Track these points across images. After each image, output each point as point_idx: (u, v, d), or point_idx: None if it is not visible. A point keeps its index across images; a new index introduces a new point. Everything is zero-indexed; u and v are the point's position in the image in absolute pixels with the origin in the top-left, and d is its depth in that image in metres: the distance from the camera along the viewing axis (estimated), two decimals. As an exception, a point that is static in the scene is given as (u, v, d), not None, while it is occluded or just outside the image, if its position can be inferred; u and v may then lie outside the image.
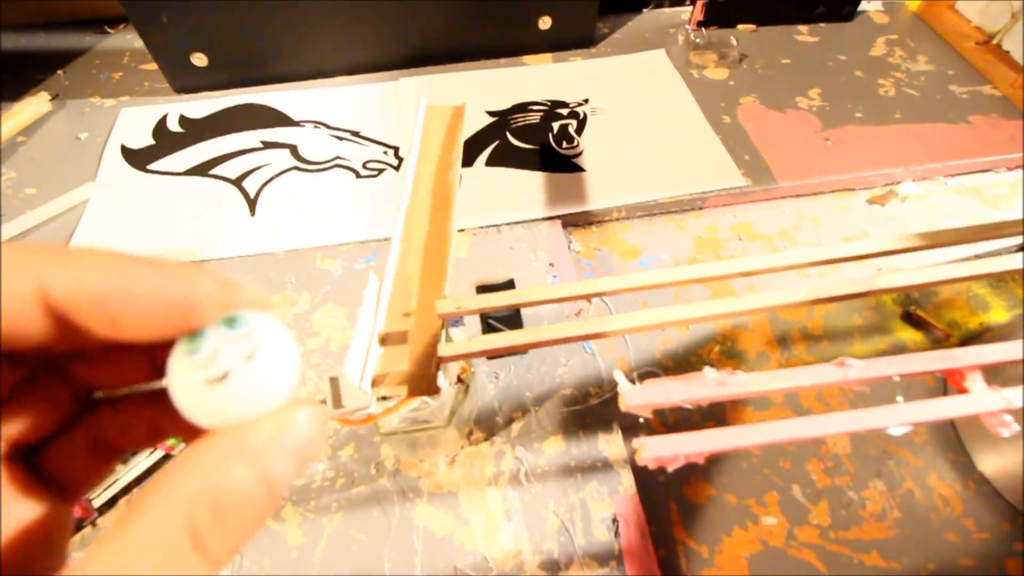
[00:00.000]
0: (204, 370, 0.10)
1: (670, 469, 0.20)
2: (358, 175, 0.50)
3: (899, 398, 0.21)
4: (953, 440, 0.40)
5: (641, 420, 0.20)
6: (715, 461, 0.38)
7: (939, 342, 0.44)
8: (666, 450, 0.19)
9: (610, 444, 0.37)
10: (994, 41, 0.61)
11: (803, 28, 0.64)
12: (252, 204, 0.48)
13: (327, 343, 0.41)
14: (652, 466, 0.19)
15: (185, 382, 0.11)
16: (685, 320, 0.24)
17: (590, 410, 0.38)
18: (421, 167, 0.35)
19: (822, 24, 0.64)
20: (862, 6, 0.66)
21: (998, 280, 0.48)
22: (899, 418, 0.20)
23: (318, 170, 0.50)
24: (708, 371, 0.21)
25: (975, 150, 0.53)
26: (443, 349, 0.23)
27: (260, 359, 0.11)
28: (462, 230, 0.47)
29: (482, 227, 0.47)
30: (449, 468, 0.36)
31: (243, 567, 0.32)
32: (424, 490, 0.35)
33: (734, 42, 0.60)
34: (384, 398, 0.23)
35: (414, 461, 0.36)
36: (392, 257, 0.29)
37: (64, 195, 0.48)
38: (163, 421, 0.12)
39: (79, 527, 0.33)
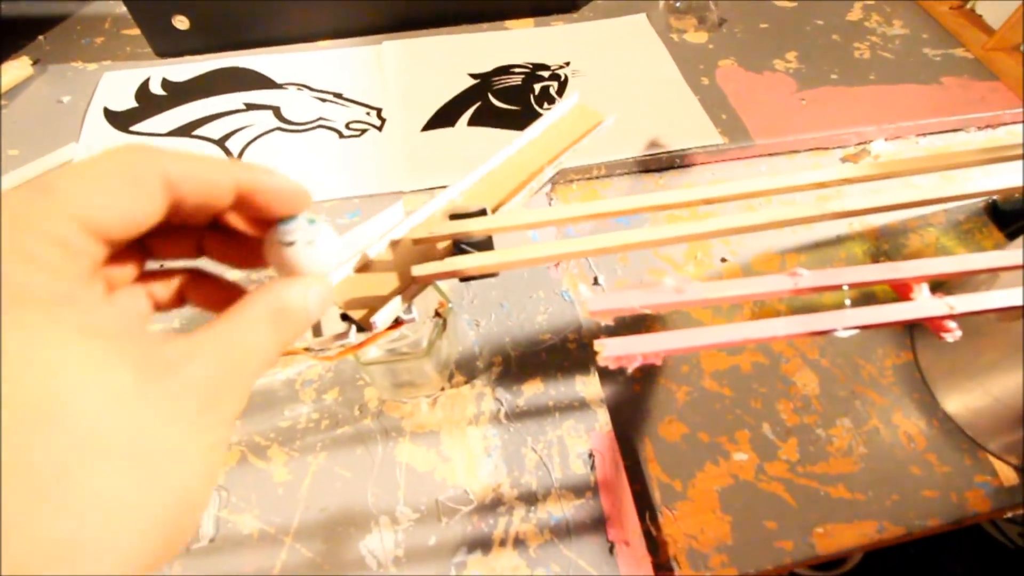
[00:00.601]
0: (287, 237, 0.16)
1: (629, 369, 0.21)
2: (341, 135, 0.50)
3: (847, 301, 0.22)
4: (918, 381, 0.41)
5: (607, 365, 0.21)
6: (688, 402, 0.39)
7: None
8: (624, 349, 0.20)
9: (587, 385, 0.38)
10: (967, 5, 0.62)
11: (782, -6, 0.65)
12: (236, 163, 0.48)
13: (311, 294, 0.41)
14: (612, 365, 0.20)
15: (272, 245, 0.16)
16: (653, 242, 0.25)
17: (568, 353, 0.39)
18: (527, 149, 0.32)
19: (801, -10, 0.65)
20: (840, -27, 0.67)
21: (963, 231, 0.49)
22: (847, 321, 0.22)
23: (301, 131, 0.51)
24: (667, 280, 0.22)
25: (946, 110, 0.54)
26: (416, 270, 0.24)
27: (318, 244, 0.17)
28: (445, 186, 0.47)
29: (464, 184, 0.47)
30: (431, 409, 0.37)
31: (231, 502, 0.33)
32: (407, 430, 0.36)
33: (713, 7, 0.61)
34: (351, 322, 0.24)
35: (397, 403, 0.37)
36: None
37: (47, 155, 0.48)
38: (189, 291, 0.18)
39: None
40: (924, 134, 0.54)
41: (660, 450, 0.38)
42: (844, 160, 0.53)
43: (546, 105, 0.53)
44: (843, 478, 0.38)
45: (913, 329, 0.44)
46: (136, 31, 0.59)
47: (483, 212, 0.26)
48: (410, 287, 0.25)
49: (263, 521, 0.33)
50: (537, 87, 0.54)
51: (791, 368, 0.42)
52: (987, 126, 0.55)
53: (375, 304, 0.25)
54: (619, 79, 0.55)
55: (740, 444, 0.39)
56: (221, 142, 0.50)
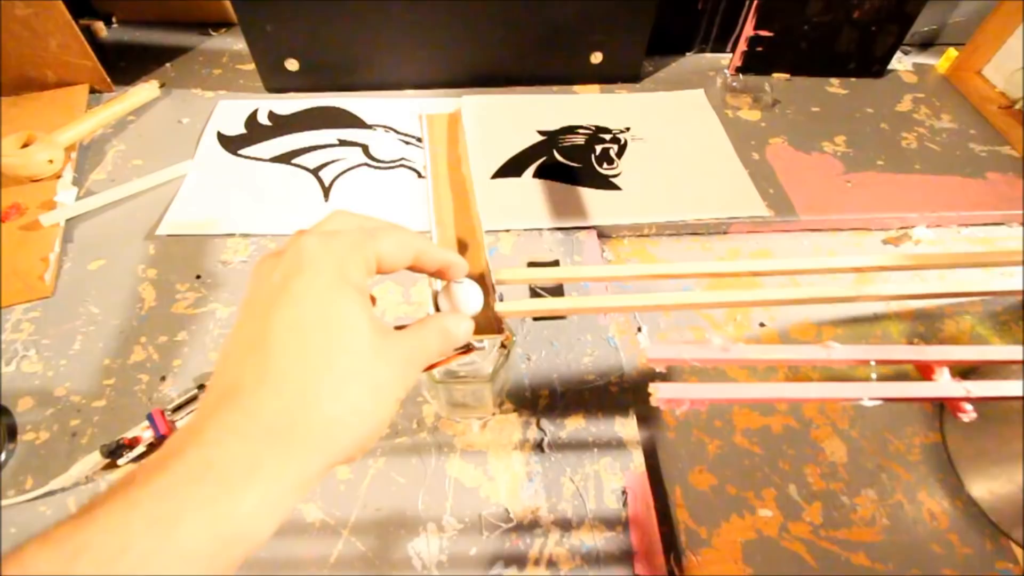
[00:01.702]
0: (453, 287, 0.26)
1: (677, 411, 0.24)
2: (420, 175, 0.56)
3: (873, 375, 0.25)
4: (945, 462, 0.43)
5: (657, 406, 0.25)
6: (719, 455, 0.42)
7: (939, 373, 0.48)
8: (676, 394, 0.24)
9: (625, 427, 0.41)
10: (1016, 107, 0.65)
11: (835, 81, 0.69)
12: (326, 192, 0.54)
13: (383, 314, 0.46)
14: (663, 407, 0.24)
15: (443, 289, 0.27)
16: (703, 304, 0.29)
17: (609, 395, 0.43)
18: (436, 167, 0.40)
19: (853, 79, 0.69)
20: (892, 64, 0.71)
21: (1000, 322, 0.51)
22: (872, 392, 0.25)
23: (386, 168, 0.57)
24: (714, 339, 0.26)
25: (990, 203, 0.57)
26: (499, 307, 0.28)
27: (467, 294, 0.26)
28: (508, 230, 0.52)
29: (526, 229, 0.52)
30: (481, 430, 0.40)
31: (298, 492, 0.37)
32: (458, 446, 0.40)
33: (768, 88, 0.66)
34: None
35: (451, 421, 0.41)
36: (432, 237, 0.34)
37: (166, 168, 0.55)
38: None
39: (161, 443, 0.39)
40: (966, 224, 0.57)
41: (689, 496, 0.40)
42: (886, 243, 0.56)
43: (605, 166, 0.58)
44: (865, 547, 0.39)
45: (943, 411, 0.45)
46: (250, 67, 0.68)
47: (556, 263, 0.31)
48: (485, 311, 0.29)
49: (325, 513, 0.37)
50: (599, 148, 0.59)
51: (821, 435, 0.44)
52: (1030, 223, 0.57)
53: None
54: (675, 147, 0.60)
55: (766, 501, 0.41)
56: (315, 171, 0.56)
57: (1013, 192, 0.58)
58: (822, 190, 0.57)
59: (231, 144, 0.58)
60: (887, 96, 0.68)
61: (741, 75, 0.68)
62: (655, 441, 0.42)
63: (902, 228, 0.57)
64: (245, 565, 0.16)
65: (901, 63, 0.73)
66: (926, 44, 0.76)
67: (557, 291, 0.29)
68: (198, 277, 0.48)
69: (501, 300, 0.29)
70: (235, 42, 0.72)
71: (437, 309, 0.27)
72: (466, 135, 0.40)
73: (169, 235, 0.50)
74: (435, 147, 0.40)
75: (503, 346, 0.35)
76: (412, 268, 0.24)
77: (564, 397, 0.43)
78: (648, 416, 0.43)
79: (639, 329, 0.48)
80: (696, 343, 0.25)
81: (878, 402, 0.25)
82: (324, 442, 0.17)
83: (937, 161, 0.60)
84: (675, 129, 0.62)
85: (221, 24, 0.74)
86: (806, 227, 0.55)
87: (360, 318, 0.19)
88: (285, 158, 0.57)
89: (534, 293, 0.29)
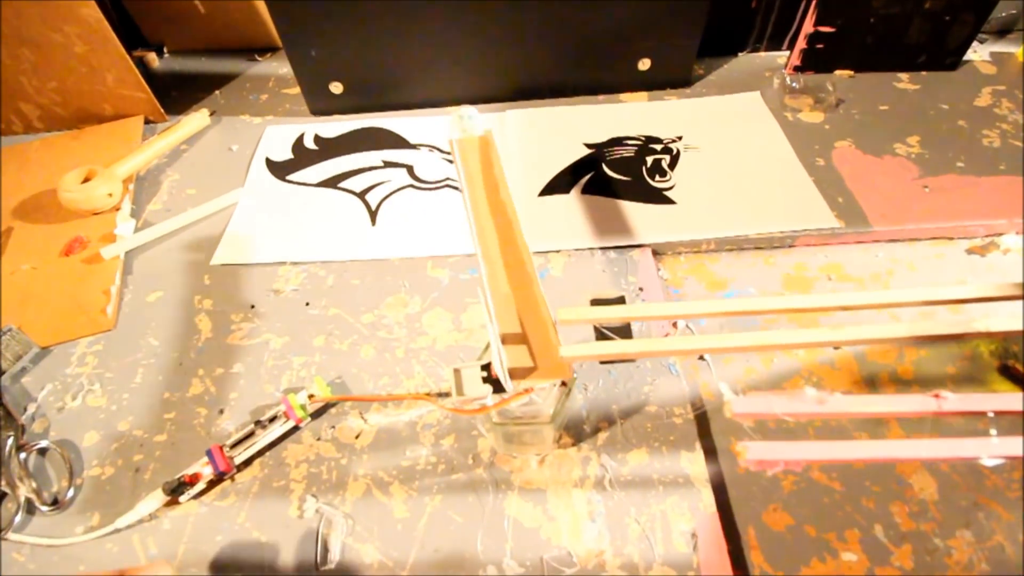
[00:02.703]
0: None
1: (770, 473, 0.22)
2: (465, 195, 0.55)
3: (992, 431, 0.22)
4: (1052, 500, 0.39)
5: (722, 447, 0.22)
6: (795, 492, 0.39)
7: (1041, 399, 0.43)
8: (768, 455, 0.21)
9: (692, 463, 0.39)
10: (1116, 96, 0.59)
11: (903, 76, 0.64)
12: (373, 215, 0.54)
13: (434, 343, 0.45)
14: (753, 468, 0.22)
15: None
16: (784, 345, 0.26)
17: (674, 427, 0.40)
18: (473, 193, 0.38)
19: (924, 72, 0.65)
20: (968, 55, 0.66)
21: (1111, 341, 0.46)
22: (992, 450, 0.22)
23: (431, 189, 0.56)
24: (809, 389, 0.23)
25: (1089, 207, 0.51)
26: (565, 351, 0.27)
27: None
28: (558, 251, 0.50)
29: (577, 249, 0.50)
30: (539, 467, 0.39)
31: (355, 531, 0.37)
32: (515, 484, 0.38)
33: (831, 87, 0.62)
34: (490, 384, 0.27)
35: (508, 456, 0.39)
36: (483, 277, 0.33)
37: (218, 197, 0.56)
38: None
39: (220, 479, 0.39)
40: (1062, 230, 0.52)
41: (764, 539, 0.37)
42: (970, 252, 0.51)
43: (658, 178, 0.55)
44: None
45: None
46: (295, 90, 0.68)
47: (622, 300, 0.29)
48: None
49: (383, 553, 0.36)
50: (649, 159, 0.57)
51: (907, 469, 0.40)
52: None
53: (525, 374, 0.28)
54: (731, 155, 0.57)
55: (849, 543, 0.38)
56: (362, 195, 0.56)
57: (1116, 192, 0.52)
58: (896, 196, 0.53)
59: (279, 170, 0.59)
60: (963, 90, 0.63)
61: (800, 74, 0.64)
62: (724, 476, 0.40)
63: (988, 236, 0.52)
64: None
65: (977, 53, 0.67)
66: (1004, 31, 0.70)
67: (624, 330, 0.27)
68: (252, 307, 0.48)
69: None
70: (280, 66, 0.73)
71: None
72: (500, 157, 0.39)
73: (223, 264, 0.51)
74: (470, 173, 0.38)
75: (563, 384, 0.33)
76: None
77: (625, 430, 0.40)
78: (715, 449, 0.40)
79: (701, 357, 0.45)
80: (787, 394, 0.22)
81: (1000, 460, 0.22)
82: None
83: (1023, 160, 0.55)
84: (731, 135, 0.59)
85: (267, 49, 0.75)
86: (879, 237, 0.51)
87: None
88: (332, 182, 0.57)
89: (599, 333, 0.27)
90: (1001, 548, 0.37)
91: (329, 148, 0.61)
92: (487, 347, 0.35)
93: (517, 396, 0.28)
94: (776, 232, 0.50)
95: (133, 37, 0.74)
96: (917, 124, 0.59)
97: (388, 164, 0.58)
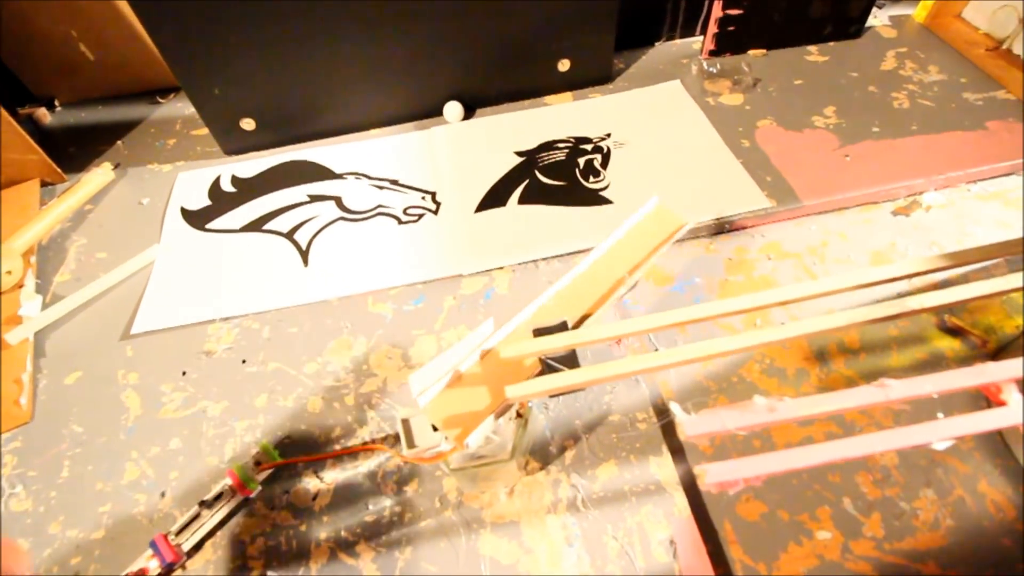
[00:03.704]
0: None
1: (731, 493, 0.21)
2: (400, 221, 0.53)
3: (939, 414, 0.22)
4: (1000, 446, 0.40)
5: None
6: (766, 480, 0.39)
7: (977, 349, 0.45)
8: (727, 475, 0.21)
9: (661, 467, 0.39)
10: (1004, 46, 0.62)
11: (813, 49, 0.66)
12: (304, 255, 0.51)
13: (385, 383, 0.43)
14: (714, 491, 0.21)
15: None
16: (730, 351, 0.26)
17: (639, 433, 0.40)
18: (608, 259, 0.33)
19: (831, 43, 0.66)
20: (869, 21, 0.68)
21: (1031, 283, 0.48)
22: (942, 433, 0.22)
23: (362, 219, 0.54)
24: (758, 399, 0.23)
25: (995, 155, 0.54)
26: (511, 391, 0.25)
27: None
28: (501, 268, 0.49)
29: (521, 263, 0.49)
30: (509, 498, 0.38)
31: (325, 601, 0.35)
32: (487, 520, 0.37)
33: (746, 67, 0.63)
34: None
35: (476, 493, 0.38)
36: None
37: (132, 259, 0.52)
38: None
39: (170, 571, 0.36)
40: (974, 180, 0.54)
41: (740, 530, 0.37)
42: (895, 214, 0.53)
43: (592, 179, 0.55)
44: (933, 554, 0.37)
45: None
46: (205, 131, 0.64)
47: (564, 326, 0.28)
48: (502, 405, 0.26)
49: (357, 620, 0.34)
50: (582, 161, 0.56)
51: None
52: (1040, 168, 0.55)
53: (469, 422, 0.27)
54: (661, 147, 0.57)
55: (822, 521, 0.38)
56: (290, 235, 0.53)
57: (1015, 138, 0.55)
58: (821, 169, 0.54)
59: (197, 219, 0.55)
60: (869, 56, 0.65)
61: (716, 58, 0.65)
62: (694, 474, 0.39)
63: (910, 196, 0.54)
64: None
65: (877, 18, 0.70)
66: (899, -7, 0.73)
67: (571, 357, 0.26)
68: (183, 374, 0.45)
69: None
70: (186, 107, 0.69)
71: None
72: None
73: (146, 332, 0.47)
74: (630, 240, 0.33)
75: (519, 415, 0.32)
76: None
77: (591, 444, 0.40)
78: (681, 448, 0.40)
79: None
80: (738, 407, 0.22)
81: (950, 442, 0.22)
82: None
83: (934, 118, 0.57)
84: (657, 127, 0.59)
85: (169, 89, 0.71)
86: (810, 211, 0.53)
87: None
88: (256, 225, 0.54)
89: (546, 365, 0.26)
90: (962, 501, 0.38)
91: (249, 189, 0.57)
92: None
93: (452, 452, 0.27)
94: (712, 220, 0.51)
95: (18, 93, 0.68)
96: (831, 94, 0.61)
97: (314, 198, 0.56)
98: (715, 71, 0.62)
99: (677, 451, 0.40)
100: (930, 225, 0.52)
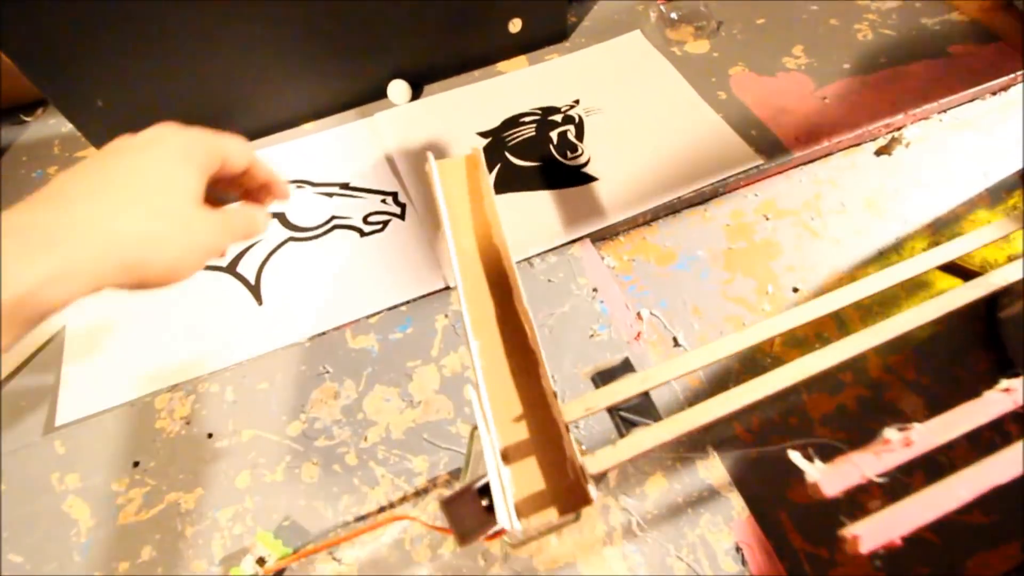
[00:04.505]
0: None
1: (883, 551, 0.18)
2: (362, 233, 0.46)
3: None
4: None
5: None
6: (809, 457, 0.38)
7: (978, 284, 0.45)
8: (886, 534, 0.18)
9: (710, 469, 0.36)
10: (950, -35, 0.61)
11: (767, -19, 0.62)
12: (256, 291, 0.43)
13: (388, 431, 0.37)
14: (865, 551, 0.18)
15: None
16: (813, 374, 0.22)
17: (680, 439, 0.37)
18: (458, 238, 0.32)
19: (784, -26, 0.63)
20: (816, -52, 0.65)
21: (1012, 209, 0.49)
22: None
23: (316, 236, 0.46)
24: (889, 432, 0.20)
25: (960, 83, 0.53)
26: (592, 464, 0.21)
27: None
28: (493, 272, 0.44)
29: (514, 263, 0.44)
30: (559, 539, 0.34)
31: None
32: (541, 569, 0.33)
33: (703, 8, 0.58)
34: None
35: (521, 541, 0.34)
36: (475, 358, 0.26)
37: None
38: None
39: None
40: (945, 110, 0.54)
41: (796, 518, 0.36)
42: (878, 154, 0.52)
43: (570, 154, 0.49)
44: (976, 503, 0.37)
45: (999, 328, 0.43)
46: (92, 149, 0.52)
47: (628, 365, 0.23)
48: (574, 505, 0.22)
49: None
50: (554, 135, 0.51)
51: (895, 396, 0.40)
52: (1000, 90, 0.55)
53: (536, 505, 0.22)
54: (636, 110, 0.52)
55: (871, 491, 0.37)
56: (232, 269, 0.44)
57: (976, 62, 0.55)
58: (803, 116, 0.51)
59: (108, 264, 0.45)
60: (824, -14, 0.62)
61: (672, 1, 0.60)
62: (741, 468, 0.37)
63: (889, 133, 0.52)
64: None
65: (823, -57, 0.67)
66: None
67: (645, 405, 0.22)
68: (136, 464, 0.37)
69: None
70: (61, 123, 0.56)
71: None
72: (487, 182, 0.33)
73: (75, 420, 0.38)
74: (454, 208, 0.31)
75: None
76: (243, 181, 0.26)
77: (633, 460, 0.36)
78: (722, 440, 0.38)
79: (675, 341, 0.42)
80: (872, 449, 0.19)
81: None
82: (127, 250, 0.20)
83: (898, 48, 0.56)
84: (627, 86, 0.54)
85: (33, 104, 0.57)
86: (798, 161, 0.50)
87: (191, 186, 0.22)
88: (186, 262, 0.45)
89: (618, 418, 0.22)
90: (992, 443, 0.39)
91: (167, 218, 0.47)
92: (471, 452, 0.28)
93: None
94: (707, 185, 0.47)
95: None
96: (795, 32, 0.58)
97: (252, 219, 0.47)
98: (676, 17, 0.57)
99: (718, 445, 0.37)
100: (913, 162, 0.51)
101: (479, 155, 0.35)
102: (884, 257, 0.46)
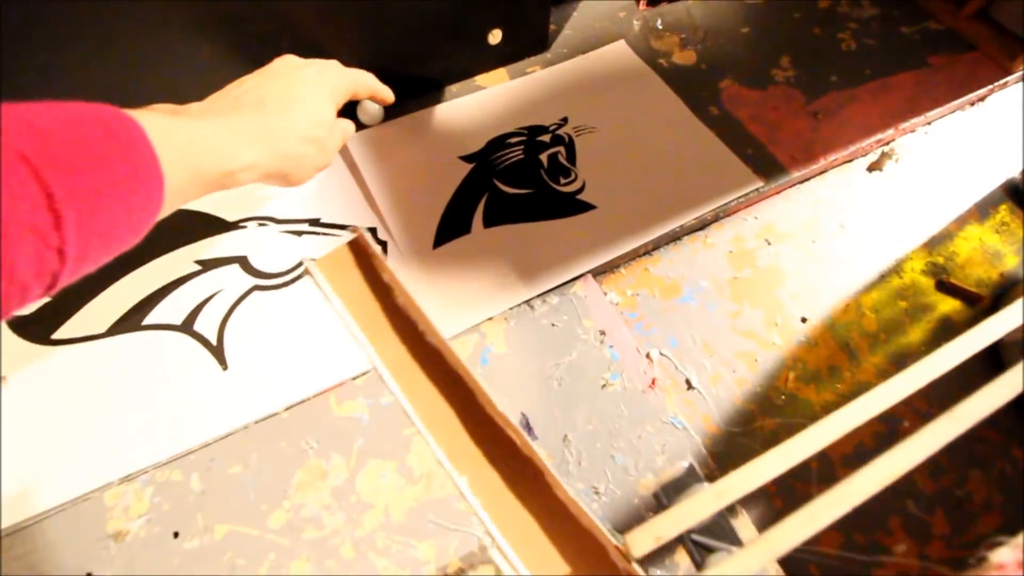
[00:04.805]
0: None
1: None
2: (339, 278, 0.40)
3: None
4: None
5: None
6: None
7: (975, 304, 0.45)
8: None
9: (741, 527, 0.34)
10: (923, -29, 0.61)
11: (747, -12, 0.60)
12: (218, 353, 0.37)
13: (387, 514, 0.33)
14: None
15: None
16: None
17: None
18: (383, 352, 0.27)
19: (763, -20, 0.61)
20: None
21: (1001, 224, 0.49)
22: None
23: (285, 283, 0.40)
24: (1002, 553, 0.17)
25: (942, 95, 0.53)
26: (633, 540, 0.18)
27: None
28: (490, 319, 0.40)
29: (512, 308, 0.40)
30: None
31: None
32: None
33: (689, 14, 0.56)
34: None
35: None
36: (470, 497, 0.22)
37: (-56, 409, 0.35)
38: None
39: None
40: (930, 122, 0.53)
41: (825, 569, 0.34)
42: (870, 170, 0.51)
43: (563, 180, 0.46)
44: (996, 535, 0.36)
45: (1000, 351, 0.43)
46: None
47: (694, 473, 0.20)
48: None
49: None
50: (544, 158, 0.47)
51: (911, 428, 0.39)
52: (979, 100, 0.55)
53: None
54: (627, 128, 0.49)
55: (895, 534, 0.36)
56: (187, 326, 0.38)
57: (956, 73, 0.55)
58: (796, 133, 0.50)
59: (35, 329, 0.38)
60: (804, -6, 0.60)
61: (655, 7, 0.57)
62: (765, 520, 0.35)
63: (879, 147, 0.52)
64: None
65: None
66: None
67: (723, 526, 0.19)
68: (87, 577, 0.31)
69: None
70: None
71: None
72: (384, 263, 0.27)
73: (14, 526, 0.32)
74: (353, 305, 0.26)
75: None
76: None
77: (659, 525, 0.34)
78: (748, 495, 0.36)
79: (688, 384, 0.39)
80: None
81: None
82: (286, 160, 0.30)
83: (881, 59, 0.55)
84: (616, 102, 0.50)
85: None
86: (793, 181, 0.49)
87: (330, 119, 0.33)
88: (131, 321, 0.38)
89: (695, 545, 0.19)
90: (1003, 472, 0.39)
91: (105, 269, 0.40)
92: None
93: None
94: (708, 212, 0.45)
95: None
96: (781, 42, 0.56)
97: (207, 264, 0.41)
98: (660, 26, 0.54)
99: (744, 501, 0.35)
100: (903, 177, 0.50)
101: (364, 238, 0.29)
102: (885, 280, 0.46)
